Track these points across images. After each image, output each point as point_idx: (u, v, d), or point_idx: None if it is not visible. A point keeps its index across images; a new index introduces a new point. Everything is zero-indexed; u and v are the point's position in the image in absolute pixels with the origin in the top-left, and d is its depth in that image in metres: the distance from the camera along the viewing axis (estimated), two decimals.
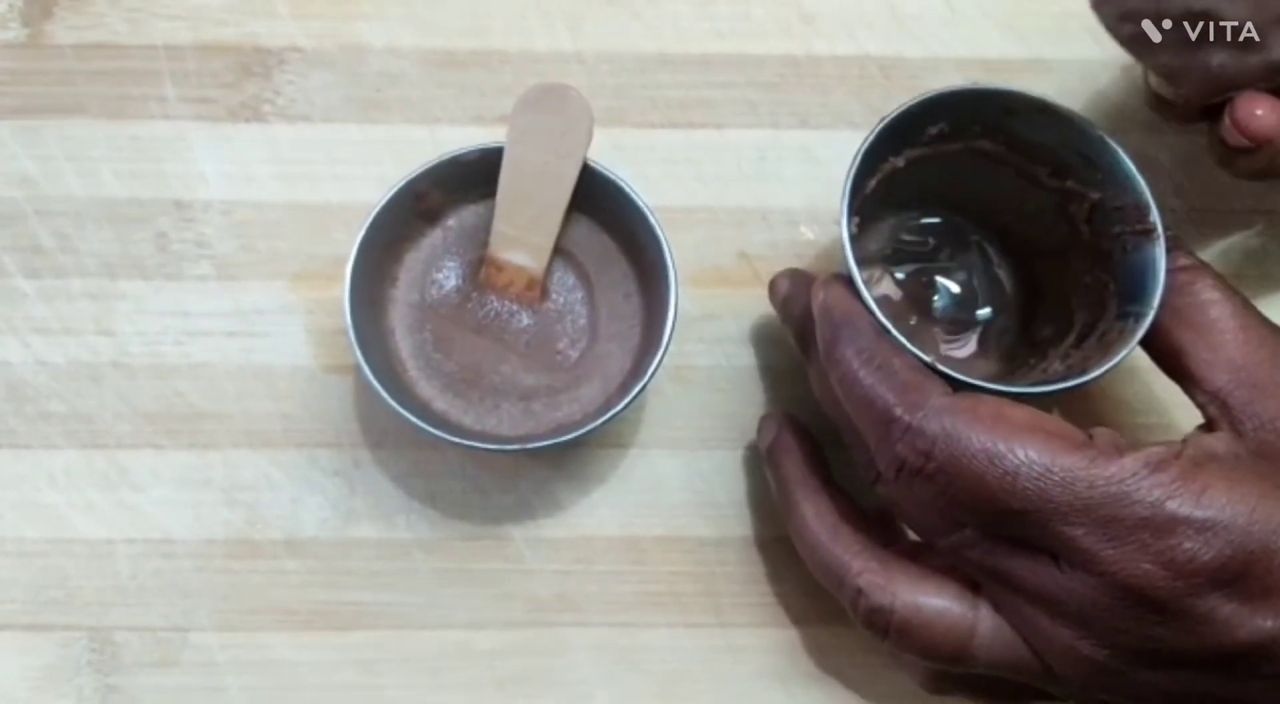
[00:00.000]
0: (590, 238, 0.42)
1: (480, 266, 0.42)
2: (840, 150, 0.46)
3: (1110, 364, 0.36)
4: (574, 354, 0.41)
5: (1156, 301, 0.36)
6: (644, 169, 0.46)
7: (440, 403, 0.40)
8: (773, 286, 0.42)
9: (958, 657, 0.35)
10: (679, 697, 0.42)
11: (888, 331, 0.35)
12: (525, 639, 0.42)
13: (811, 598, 0.43)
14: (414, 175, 0.40)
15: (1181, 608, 0.31)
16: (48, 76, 0.47)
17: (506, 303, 0.42)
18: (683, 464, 0.44)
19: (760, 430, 0.42)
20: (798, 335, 0.40)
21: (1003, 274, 0.44)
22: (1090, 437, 0.34)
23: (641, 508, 0.43)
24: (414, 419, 0.37)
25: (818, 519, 0.38)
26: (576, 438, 0.38)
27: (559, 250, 0.42)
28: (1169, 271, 0.37)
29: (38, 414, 0.43)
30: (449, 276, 0.42)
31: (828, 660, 0.43)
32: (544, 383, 0.41)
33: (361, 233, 0.39)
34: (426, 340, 0.41)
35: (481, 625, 0.42)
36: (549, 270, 0.42)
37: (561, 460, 0.44)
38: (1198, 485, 0.32)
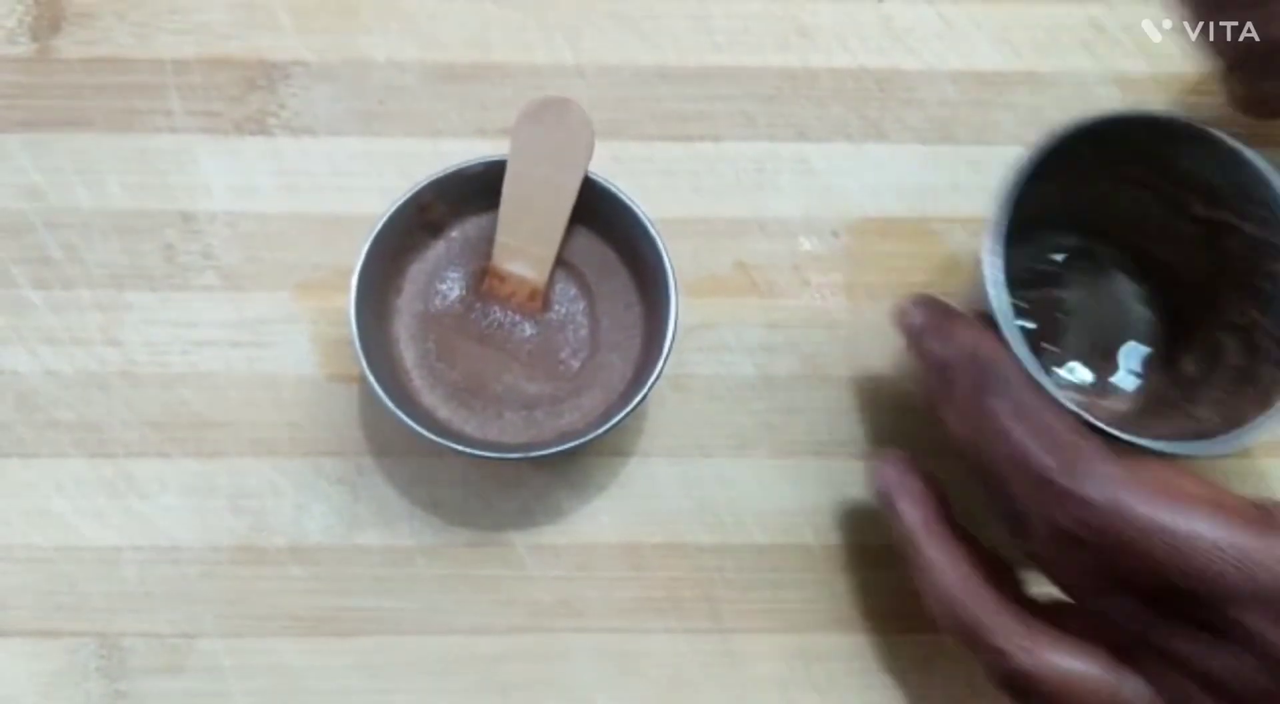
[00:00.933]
0: (591, 249, 0.43)
1: (483, 277, 0.42)
2: (837, 162, 0.47)
3: (1272, 415, 0.34)
4: (576, 363, 0.42)
5: None
6: (643, 180, 0.47)
7: (444, 411, 0.41)
8: (902, 313, 0.39)
9: None
10: (678, 701, 0.43)
11: (1040, 385, 0.34)
12: (527, 644, 0.43)
13: (810, 604, 0.43)
14: (419, 187, 0.41)
15: None
16: (56, 90, 0.47)
17: (509, 313, 0.42)
18: (682, 472, 0.44)
19: (876, 472, 0.39)
20: (933, 370, 0.37)
21: (1140, 304, 0.43)
22: (1266, 511, 0.32)
23: (641, 515, 0.44)
24: (418, 428, 0.38)
25: (953, 571, 0.36)
26: (578, 446, 0.39)
27: (561, 261, 0.42)
28: None
29: (46, 423, 0.44)
30: (452, 287, 0.43)
31: (826, 666, 0.43)
32: (546, 392, 0.42)
33: (367, 243, 0.40)
34: (430, 350, 0.42)
35: (484, 631, 0.43)
36: (551, 281, 0.42)
37: (563, 468, 0.44)
38: None
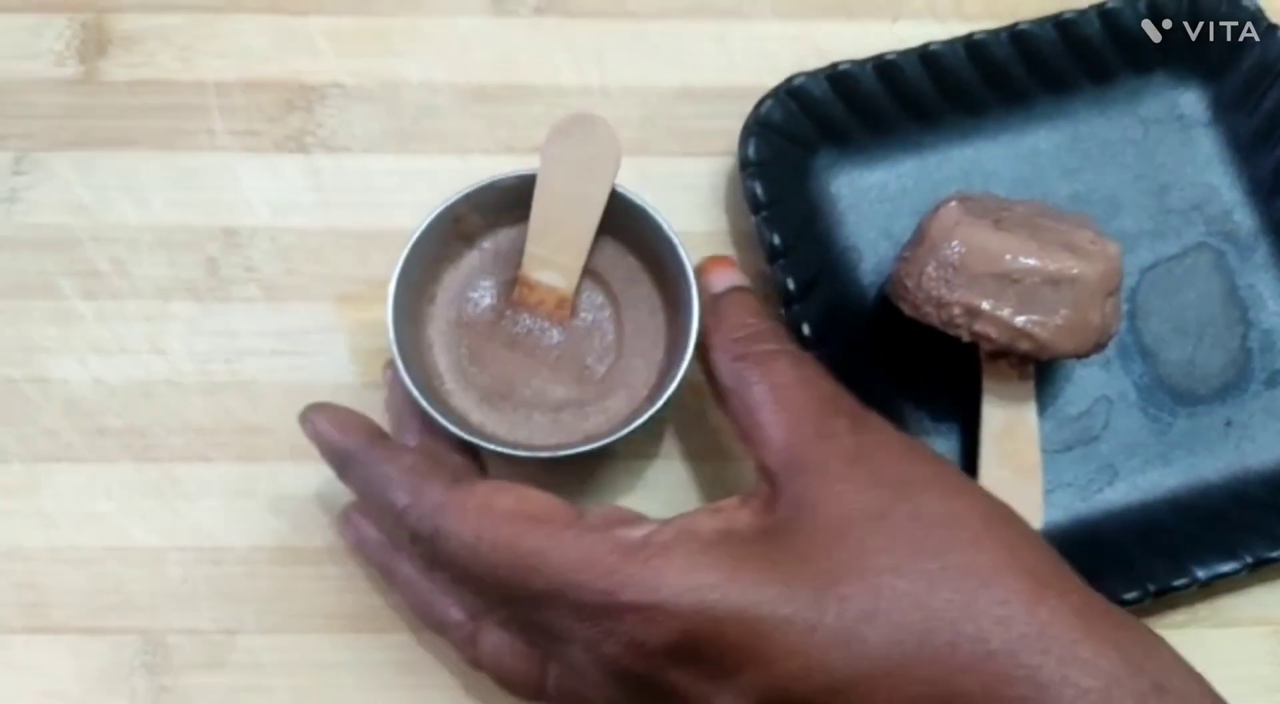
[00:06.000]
0: (617, 259, 0.45)
1: (514, 286, 0.44)
2: None
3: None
4: (601, 368, 0.43)
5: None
6: (667, 195, 0.48)
7: (476, 415, 0.43)
8: (302, 422, 0.40)
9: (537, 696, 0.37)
10: None
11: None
12: None
13: None
14: (454, 199, 0.42)
15: (660, 683, 0.33)
16: (103, 111, 0.49)
17: (538, 320, 0.44)
18: (703, 473, 0.46)
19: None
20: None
21: None
22: (582, 514, 0.36)
23: (665, 515, 0.45)
24: (454, 428, 0.40)
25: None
26: (603, 447, 0.40)
27: (588, 270, 0.44)
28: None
29: (95, 429, 0.46)
30: (484, 295, 0.44)
31: None
32: (573, 396, 0.43)
33: (404, 252, 0.41)
34: (463, 355, 0.43)
35: None
36: (578, 289, 0.44)
37: (589, 470, 0.46)
38: (652, 569, 0.33)
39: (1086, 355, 0.41)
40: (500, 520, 0.35)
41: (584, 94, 0.50)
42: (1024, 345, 0.40)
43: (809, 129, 0.47)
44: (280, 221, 0.48)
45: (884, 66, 0.47)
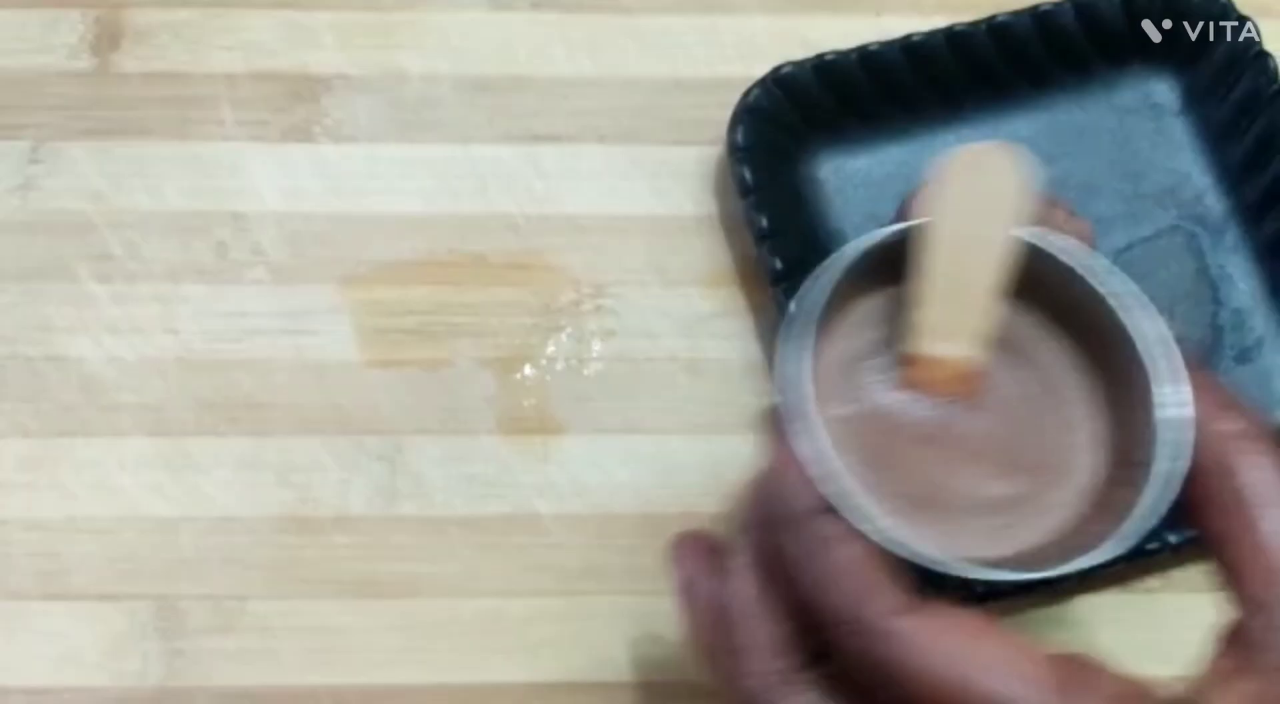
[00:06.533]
0: (1011, 315, 0.35)
1: (894, 366, 0.34)
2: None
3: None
4: (1034, 454, 0.34)
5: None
6: (659, 181, 0.50)
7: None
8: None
9: None
10: (691, 655, 0.46)
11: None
12: (554, 607, 0.46)
13: None
14: (837, 276, 0.32)
15: None
16: (117, 102, 0.51)
17: (938, 403, 0.34)
18: (696, 448, 0.48)
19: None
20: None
21: None
22: (1068, 667, 0.28)
23: (659, 489, 0.47)
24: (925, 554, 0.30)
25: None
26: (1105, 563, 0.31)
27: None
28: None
29: (109, 405, 0.47)
30: (863, 381, 0.34)
31: None
32: (1008, 492, 0.33)
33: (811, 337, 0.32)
34: (856, 460, 0.33)
35: (514, 594, 0.46)
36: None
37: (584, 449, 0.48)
38: None
39: None
40: (987, 666, 0.28)
41: (578, 84, 0.52)
42: None
43: (796, 117, 0.49)
44: (287, 207, 0.50)
45: (867, 57, 0.49)
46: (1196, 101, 0.51)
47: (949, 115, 0.51)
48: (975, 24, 0.50)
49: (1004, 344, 0.35)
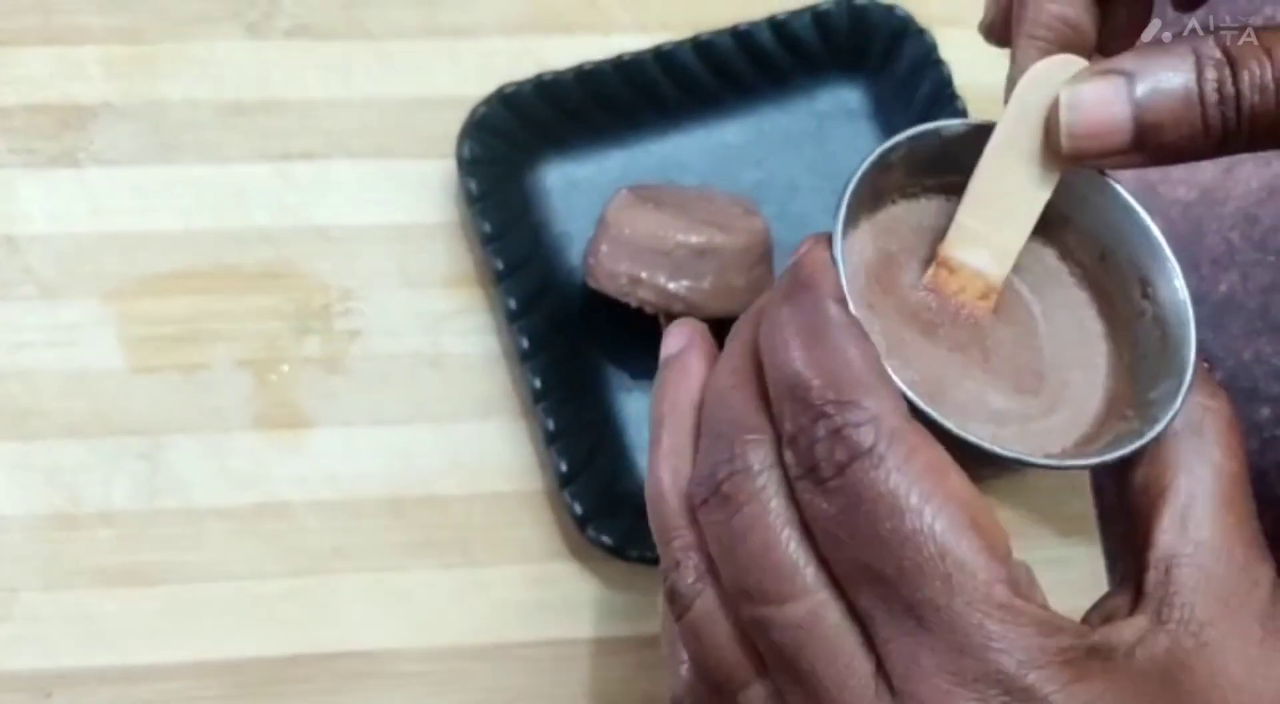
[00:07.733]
0: (1034, 253, 0.36)
1: (924, 265, 0.35)
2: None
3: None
4: (1041, 378, 0.35)
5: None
6: (406, 192, 0.55)
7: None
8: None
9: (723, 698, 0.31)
10: (436, 627, 0.50)
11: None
12: (305, 586, 0.50)
13: (547, 540, 0.52)
14: (897, 139, 0.33)
15: None
16: None
17: (957, 310, 0.35)
18: (438, 435, 0.53)
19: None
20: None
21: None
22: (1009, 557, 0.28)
23: (403, 474, 0.52)
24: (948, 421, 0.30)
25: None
26: (1094, 465, 0.33)
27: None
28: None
29: None
30: (892, 272, 0.35)
31: (561, 589, 0.51)
32: (1014, 407, 0.34)
33: (844, 201, 0.32)
34: (878, 344, 0.32)
35: (268, 576, 0.50)
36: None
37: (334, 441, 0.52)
38: (1081, 692, 0.26)
39: None
40: (949, 499, 0.27)
41: (331, 105, 0.57)
42: (678, 307, 0.47)
43: (520, 131, 0.54)
44: (54, 229, 0.54)
45: (584, 75, 0.54)
46: (885, 106, 0.57)
47: (665, 124, 0.56)
48: (681, 43, 0.55)
49: (1037, 271, 0.36)
